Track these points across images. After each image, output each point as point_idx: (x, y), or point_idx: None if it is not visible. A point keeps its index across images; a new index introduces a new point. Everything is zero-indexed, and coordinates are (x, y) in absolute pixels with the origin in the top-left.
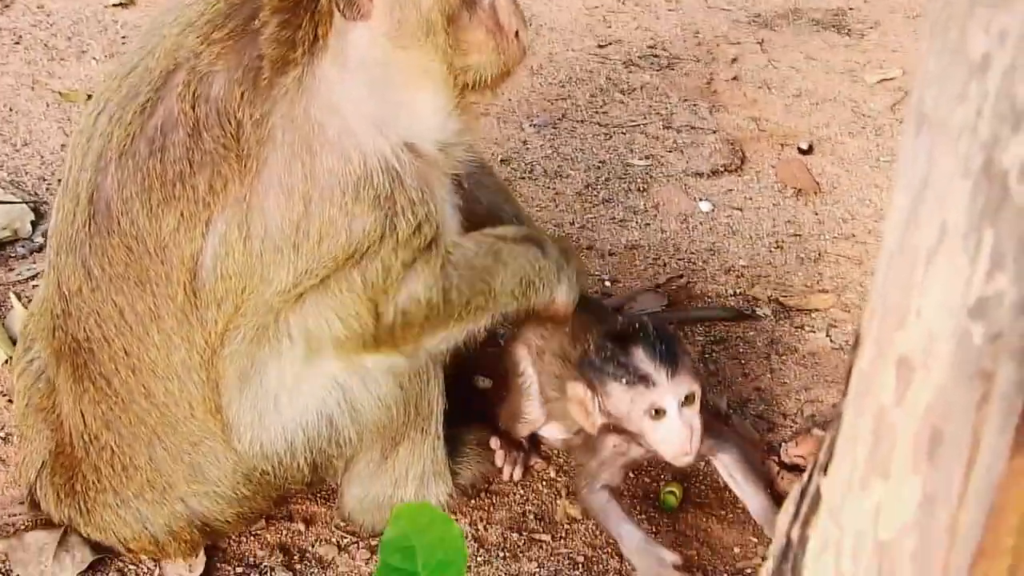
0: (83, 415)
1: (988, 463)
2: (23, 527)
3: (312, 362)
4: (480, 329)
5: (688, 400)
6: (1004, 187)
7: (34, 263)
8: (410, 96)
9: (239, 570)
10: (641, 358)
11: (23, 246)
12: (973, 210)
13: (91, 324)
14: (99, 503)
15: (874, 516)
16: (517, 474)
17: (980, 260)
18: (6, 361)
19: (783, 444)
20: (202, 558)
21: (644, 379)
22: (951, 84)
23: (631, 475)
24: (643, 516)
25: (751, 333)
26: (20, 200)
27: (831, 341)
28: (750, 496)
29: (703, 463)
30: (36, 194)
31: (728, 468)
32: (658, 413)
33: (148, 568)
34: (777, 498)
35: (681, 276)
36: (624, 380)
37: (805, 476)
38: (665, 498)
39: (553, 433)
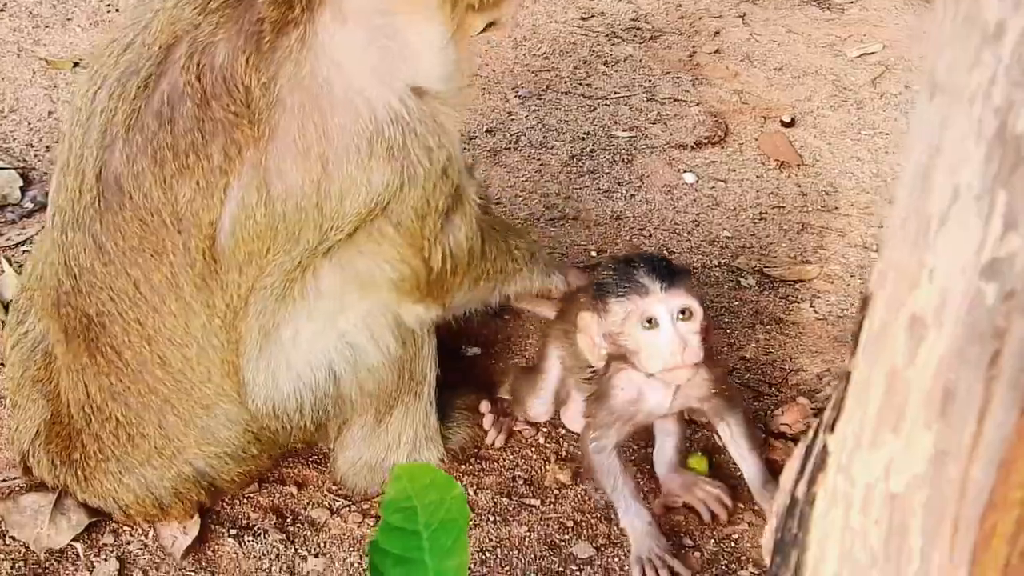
0: (87, 387)
1: (999, 418)
2: (18, 489)
3: (332, 318)
4: (493, 300)
5: (685, 316)
6: (1018, 151)
7: (24, 228)
8: (410, 37)
9: (233, 532)
10: (640, 274)
11: (12, 211)
12: (987, 174)
13: (104, 298)
14: (99, 471)
15: (885, 471)
16: (500, 440)
17: (993, 222)
18: None
19: (769, 412)
20: (197, 520)
21: (638, 289)
22: (965, 51)
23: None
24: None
25: (736, 303)
26: (9, 166)
27: (815, 312)
28: (750, 463)
29: (692, 428)
30: (24, 160)
31: (733, 433)
32: (651, 323)
33: (143, 530)
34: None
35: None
36: (620, 292)
37: (809, 435)
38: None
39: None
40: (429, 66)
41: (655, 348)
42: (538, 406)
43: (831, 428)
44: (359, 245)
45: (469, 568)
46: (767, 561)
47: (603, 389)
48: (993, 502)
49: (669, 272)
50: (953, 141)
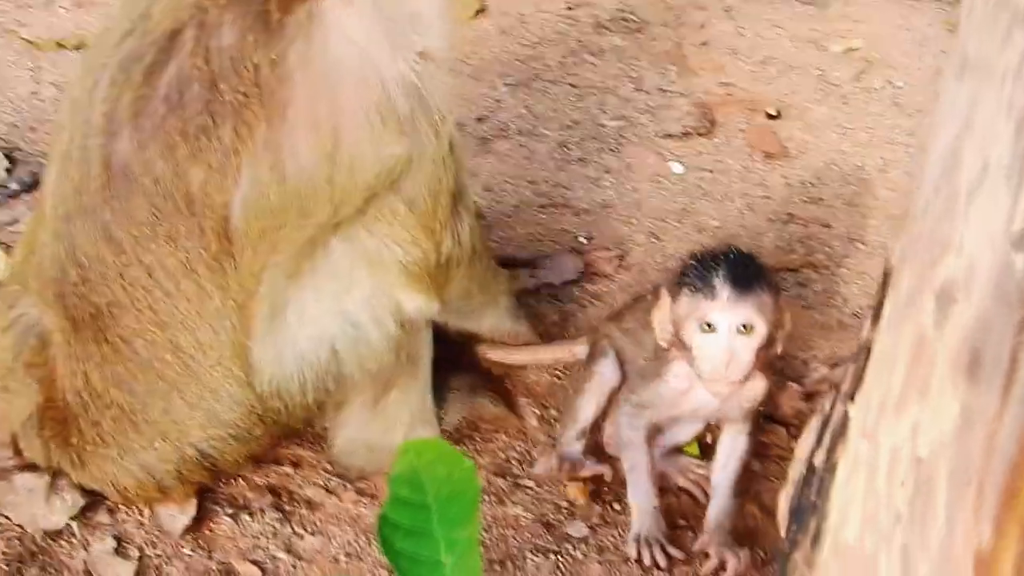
0: (87, 375)
1: None
2: (11, 468)
3: (338, 296)
4: (472, 326)
5: (746, 330)
6: None
7: (11, 209)
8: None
9: (229, 511)
10: (717, 274)
11: None
12: (1016, 150)
13: (115, 287)
14: (98, 456)
15: (911, 435)
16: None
17: (1023, 195)
18: None
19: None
20: (193, 500)
21: (707, 292)
22: (995, 31)
23: None
24: None
25: None
26: None
27: (802, 300)
28: (722, 493)
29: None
30: (8, 141)
31: (736, 447)
32: (710, 327)
33: (139, 509)
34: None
35: (608, 249)
36: (693, 288)
37: (827, 406)
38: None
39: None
40: (435, 26)
41: (706, 352)
42: (584, 408)
43: (851, 398)
44: (370, 225)
45: None
46: (782, 530)
47: (657, 370)
48: (1018, 464)
49: (745, 281)
50: (983, 118)
